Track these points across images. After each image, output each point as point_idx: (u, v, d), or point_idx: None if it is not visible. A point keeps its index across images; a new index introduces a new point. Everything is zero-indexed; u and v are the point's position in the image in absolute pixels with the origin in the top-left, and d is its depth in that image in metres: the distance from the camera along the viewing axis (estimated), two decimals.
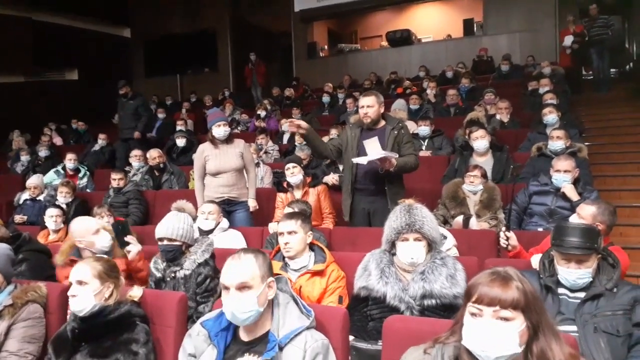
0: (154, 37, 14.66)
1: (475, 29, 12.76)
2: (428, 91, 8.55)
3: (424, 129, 6.02)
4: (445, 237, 3.24)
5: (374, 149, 3.59)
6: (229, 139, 4.37)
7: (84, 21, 12.95)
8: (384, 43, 14.67)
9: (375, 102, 3.75)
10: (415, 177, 4.34)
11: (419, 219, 2.39)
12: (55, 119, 10.85)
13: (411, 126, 6.44)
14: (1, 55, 11.06)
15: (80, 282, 2.16)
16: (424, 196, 4.10)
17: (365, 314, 2.42)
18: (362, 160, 3.63)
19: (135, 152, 6.40)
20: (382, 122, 3.83)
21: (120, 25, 14.55)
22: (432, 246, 2.42)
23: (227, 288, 1.77)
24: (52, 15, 12.08)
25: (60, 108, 11.45)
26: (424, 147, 6.00)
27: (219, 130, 4.30)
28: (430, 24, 15.01)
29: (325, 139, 6.34)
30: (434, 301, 2.26)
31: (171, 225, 2.84)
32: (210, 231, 3.83)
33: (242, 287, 1.75)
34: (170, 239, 2.83)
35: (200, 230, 3.80)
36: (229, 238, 3.89)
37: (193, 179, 4.83)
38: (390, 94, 9.42)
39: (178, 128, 8.35)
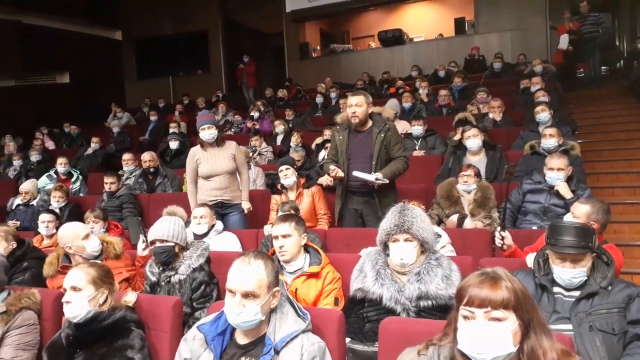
0: (145, 39, 14.62)
1: (466, 27, 12.79)
2: (420, 91, 8.55)
3: (417, 129, 6.03)
4: (439, 236, 3.24)
5: (361, 175, 3.65)
6: (219, 142, 4.33)
7: (74, 23, 12.83)
8: (373, 44, 14.67)
9: (364, 101, 3.74)
10: (409, 177, 4.34)
11: (408, 220, 2.39)
12: (47, 122, 10.75)
13: (404, 126, 6.47)
14: None
15: (74, 288, 2.14)
16: (418, 196, 4.15)
17: (361, 315, 2.42)
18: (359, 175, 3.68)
19: (127, 156, 6.37)
20: (370, 123, 3.82)
21: (111, 28, 14.44)
22: (425, 247, 2.42)
23: (232, 292, 1.76)
24: (42, 18, 11.96)
25: (51, 112, 11.36)
26: (417, 147, 6.01)
27: (205, 133, 4.26)
28: (422, 23, 15.05)
29: (319, 139, 6.39)
30: (429, 302, 2.26)
31: (161, 227, 2.87)
32: (205, 234, 3.81)
33: (248, 295, 1.75)
34: (161, 240, 2.84)
35: (194, 234, 3.78)
36: (224, 241, 3.87)
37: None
38: (383, 93, 9.42)
39: (171, 130, 8.28)
